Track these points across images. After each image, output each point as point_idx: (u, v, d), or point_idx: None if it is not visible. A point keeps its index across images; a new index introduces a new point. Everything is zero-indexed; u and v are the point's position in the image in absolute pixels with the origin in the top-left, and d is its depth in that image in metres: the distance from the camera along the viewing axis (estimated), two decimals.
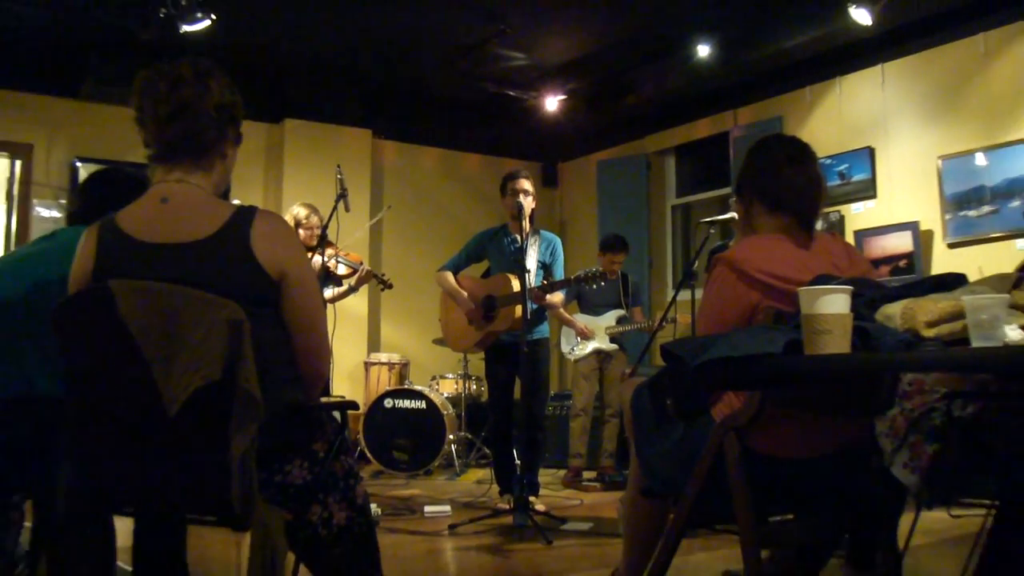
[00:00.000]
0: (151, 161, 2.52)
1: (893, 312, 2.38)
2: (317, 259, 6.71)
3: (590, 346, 8.15)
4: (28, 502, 3.50)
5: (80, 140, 9.34)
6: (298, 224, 6.88)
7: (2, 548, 3.92)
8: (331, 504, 2.48)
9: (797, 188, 3.08)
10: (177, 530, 2.78)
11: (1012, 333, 2.14)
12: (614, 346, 8.21)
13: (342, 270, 7.05)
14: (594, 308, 8.21)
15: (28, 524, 3.91)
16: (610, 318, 8.20)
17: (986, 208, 7.69)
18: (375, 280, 7.19)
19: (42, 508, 3.48)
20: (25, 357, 3.12)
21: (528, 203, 6.16)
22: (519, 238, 6.08)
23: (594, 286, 6.25)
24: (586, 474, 8.23)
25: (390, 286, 7.28)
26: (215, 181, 2.56)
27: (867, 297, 2.48)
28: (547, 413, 8.18)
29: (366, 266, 7.11)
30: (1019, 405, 2.65)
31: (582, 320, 8.12)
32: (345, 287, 7.13)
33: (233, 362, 2.15)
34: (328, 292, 7.08)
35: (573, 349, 8.22)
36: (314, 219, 6.86)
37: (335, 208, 6.48)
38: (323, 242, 6.57)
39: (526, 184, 6.28)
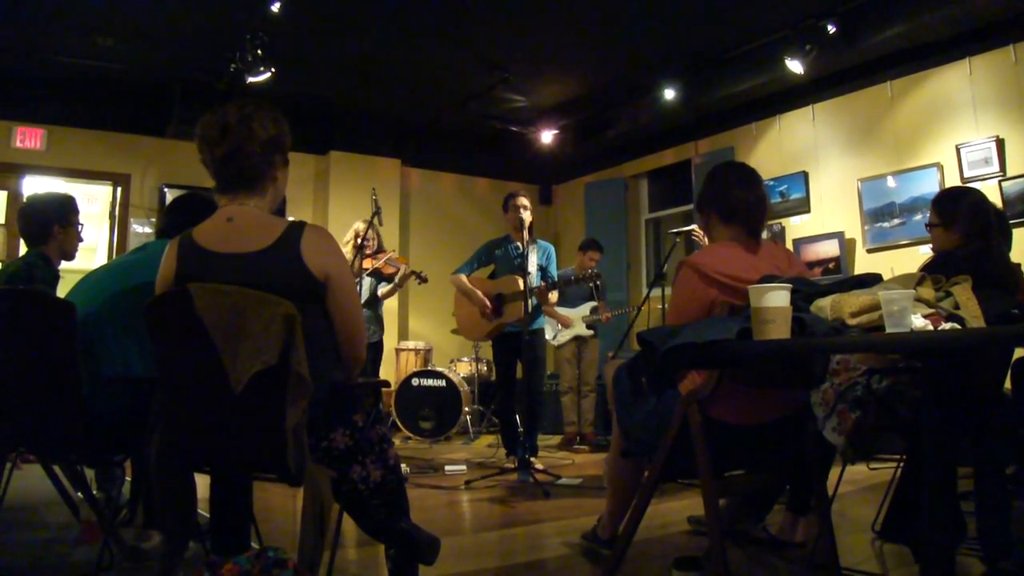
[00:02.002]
0: (215, 191, 2.51)
1: (824, 305, 2.37)
2: (370, 263, 6.75)
3: (570, 333, 8.15)
4: (127, 461, 3.50)
5: (167, 170, 9.39)
6: (357, 235, 6.89)
7: (108, 497, 3.93)
8: (368, 464, 2.47)
9: (746, 204, 3.07)
10: (244, 485, 2.77)
11: (917, 321, 2.13)
12: (590, 332, 8.20)
13: (390, 270, 7.06)
14: (572, 301, 8.18)
15: (128, 478, 3.93)
16: (585, 309, 8.18)
17: (896, 221, 7.69)
18: (414, 276, 7.19)
19: (138, 466, 3.49)
20: (123, 345, 3.12)
21: (527, 216, 6.14)
22: (520, 246, 6.06)
23: (589, 285, 6.26)
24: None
25: (425, 280, 7.26)
26: (269, 201, 2.54)
27: (803, 293, 2.46)
28: (544, 389, 8.19)
29: (408, 267, 7.12)
30: (921, 379, 2.63)
31: (561, 311, 8.11)
32: (393, 284, 7.14)
33: (287, 349, 2.14)
34: (381, 289, 7.09)
35: (556, 336, 8.21)
36: (369, 232, 6.89)
37: (370, 222, 6.49)
38: (376, 249, 6.59)
39: (524, 201, 6.26)
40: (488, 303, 6.26)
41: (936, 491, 1.99)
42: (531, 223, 6.20)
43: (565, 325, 8.08)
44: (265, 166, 2.49)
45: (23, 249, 4.00)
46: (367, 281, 6.82)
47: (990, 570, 3.13)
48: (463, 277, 6.47)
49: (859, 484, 5.14)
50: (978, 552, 3.23)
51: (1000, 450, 3.23)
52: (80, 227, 3.96)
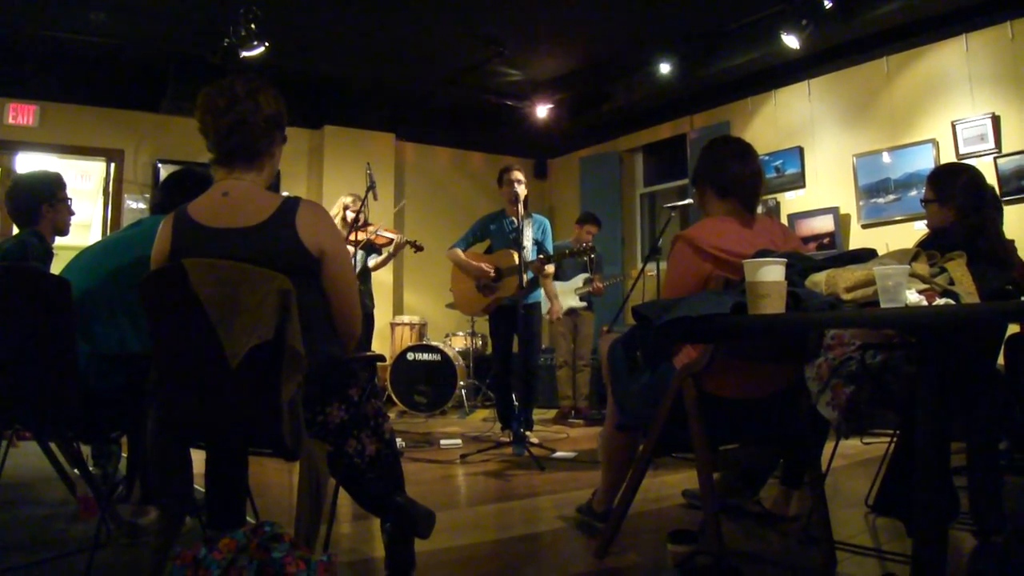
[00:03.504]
0: (213, 163, 2.50)
1: (819, 280, 2.37)
2: (361, 235, 6.73)
3: (565, 306, 8.11)
4: (123, 438, 3.50)
5: (161, 146, 9.34)
6: (346, 208, 6.88)
7: (105, 474, 3.94)
8: (364, 439, 2.48)
9: (742, 179, 3.07)
10: (240, 460, 2.78)
11: (911, 296, 2.13)
12: (583, 304, 8.20)
13: (381, 240, 7.05)
14: (567, 274, 8.18)
15: (124, 455, 3.93)
16: (578, 280, 8.17)
17: (891, 197, 7.69)
18: (409, 245, 7.17)
19: (135, 442, 3.49)
20: (119, 321, 3.11)
21: (522, 190, 6.12)
22: (516, 220, 6.05)
23: (584, 259, 6.27)
24: None
25: (421, 248, 7.25)
26: (265, 176, 2.54)
27: (798, 268, 2.47)
28: (539, 363, 8.19)
29: (402, 236, 7.10)
30: (915, 354, 2.64)
31: (555, 285, 8.04)
32: (385, 255, 7.12)
33: (282, 324, 2.14)
34: (371, 261, 7.08)
35: (550, 310, 8.16)
36: (357, 204, 6.86)
37: (365, 197, 6.48)
38: (360, 222, 6.59)
39: (519, 175, 6.24)
40: (489, 269, 6.24)
41: (929, 466, 2.00)
42: (526, 197, 6.19)
43: (553, 316, 7.93)
44: (267, 141, 2.49)
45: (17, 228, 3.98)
46: (358, 254, 6.82)
47: (982, 544, 3.16)
48: (460, 252, 6.46)
49: (852, 459, 5.17)
50: (970, 527, 3.26)
51: (992, 426, 3.25)
52: (69, 201, 3.93)
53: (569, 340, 8.22)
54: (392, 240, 7.05)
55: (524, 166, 6.75)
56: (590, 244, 6.36)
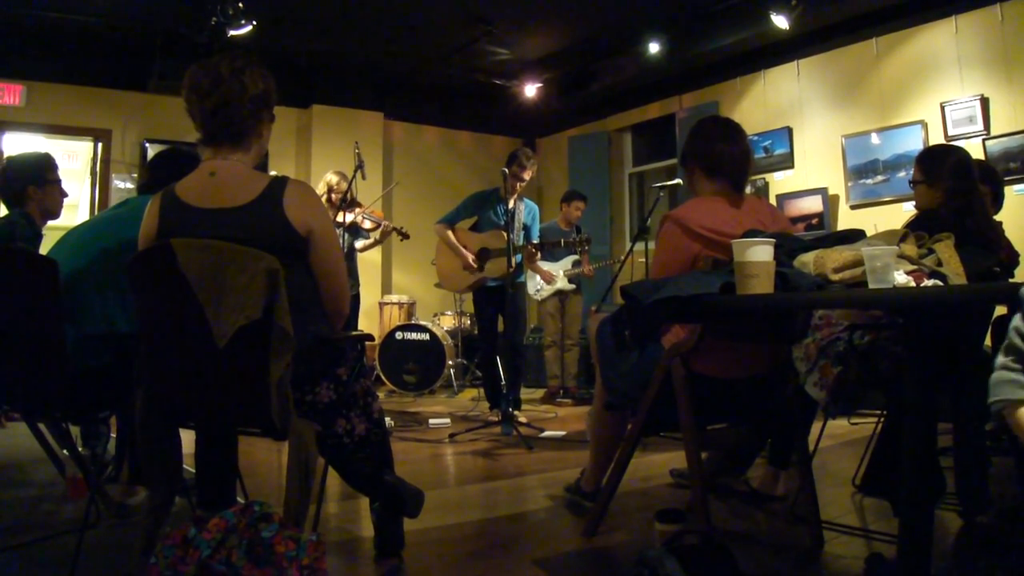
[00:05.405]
0: (200, 143, 2.49)
1: (807, 260, 2.37)
2: (348, 216, 6.69)
3: (552, 288, 8.14)
4: (112, 418, 3.49)
5: (148, 125, 9.27)
6: (330, 188, 6.84)
7: (93, 454, 3.93)
8: (353, 418, 2.48)
9: (730, 158, 3.06)
10: (229, 440, 2.77)
11: (899, 277, 2.14)
12: (572, 286, 8.19)
13: (368, 224, 7.02)
14: (555, 255, 8.18)
15: (113, 435, 3.93)
16: (567, 262, 8.17)
17: (879, 177, 7.71)
18: (396, 232, 7.14)
19: (123, 422, 3.49)
20: (107, 301, 3.10)
21: (520, 186, 6.16)
22: (509, 203, 6.03)
23: (578, 250, 6.31)
24: None
25: (407, 236, 7.22)
26: (253, 156, 2.52)
27: (787, 248, 2.47)
28: (526, 343, 8.20)
29: (389, 222, 7.07)
30: (903, 335, 2.65)
31: (544, 266, 8.09)
32: (372, 239, 7.09)
33: (271, 304, 2.13)
34: (359, 244, 7.05)
35: (538, 291, 8.20)
36: (343, 184, 6.82)
37: (354, 176, 6.45)
38: (350, 203, 6.55)
39: (529, 173, 6.25)
40: (471, 259, 6.26)
41: (916, 446, 2.00)
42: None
43: (547, 281, 8.07)
44: (253, 121, 2.47)
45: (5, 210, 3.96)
46: (344, 236, 6.79)
47: (968, 525, 3.18)
48: (448, 231, 6.45)
49: (840, 439, 5.19)
50: (956, 507, 3.28)
51: (979, 407, 3.26)
52: (60, 183, 3.90)
53: (557, 320, 8.23)
54: (379, 225, 7.02)
55: (511, 145, 6.76)
56: (585, 236, 6.34)
